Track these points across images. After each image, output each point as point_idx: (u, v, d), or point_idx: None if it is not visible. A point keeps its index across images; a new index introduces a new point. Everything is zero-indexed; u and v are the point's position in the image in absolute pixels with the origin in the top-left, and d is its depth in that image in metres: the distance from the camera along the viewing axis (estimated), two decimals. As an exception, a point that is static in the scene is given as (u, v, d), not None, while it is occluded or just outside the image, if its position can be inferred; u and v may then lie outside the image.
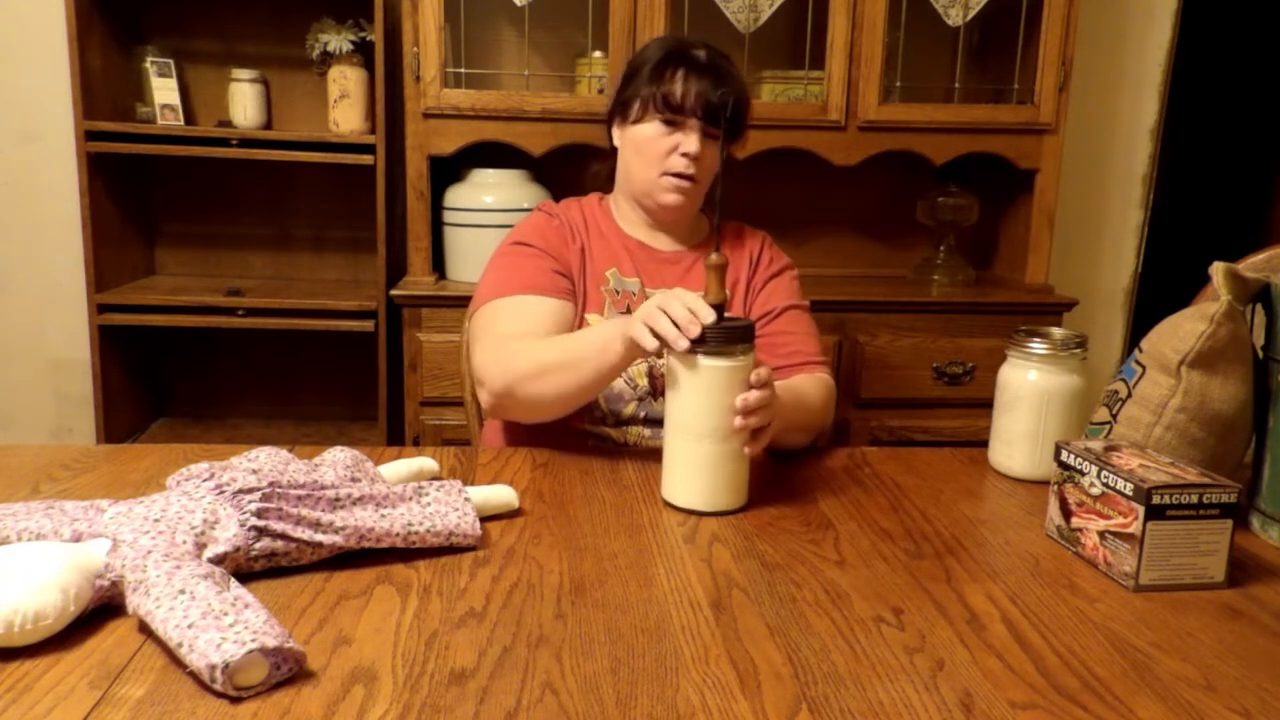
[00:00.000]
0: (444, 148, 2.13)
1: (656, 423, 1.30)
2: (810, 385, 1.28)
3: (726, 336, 0.99)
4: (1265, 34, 3.62)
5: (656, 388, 1.29)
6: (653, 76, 1.31)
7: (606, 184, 1.47)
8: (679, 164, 1.30)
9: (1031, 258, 2.32)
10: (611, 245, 1.38)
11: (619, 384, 1.28)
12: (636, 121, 1.33)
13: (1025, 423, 1.14)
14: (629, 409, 1.30)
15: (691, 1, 2.17)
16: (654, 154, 1.31)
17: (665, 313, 1.00)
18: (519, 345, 1.19)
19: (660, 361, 1.28)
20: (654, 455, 1.20)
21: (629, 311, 1.33)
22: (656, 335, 1.00)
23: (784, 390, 1.20)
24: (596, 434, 1.31)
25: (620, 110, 1.36)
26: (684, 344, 0.98)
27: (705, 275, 1.05)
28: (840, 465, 1.20)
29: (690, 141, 1.29)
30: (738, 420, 1.00)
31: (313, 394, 2.58)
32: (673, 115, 1.30)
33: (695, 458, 1.02)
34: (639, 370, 1.29)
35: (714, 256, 1.04)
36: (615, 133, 1.39)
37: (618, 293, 1.34)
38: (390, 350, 2.26)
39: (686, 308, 0.99)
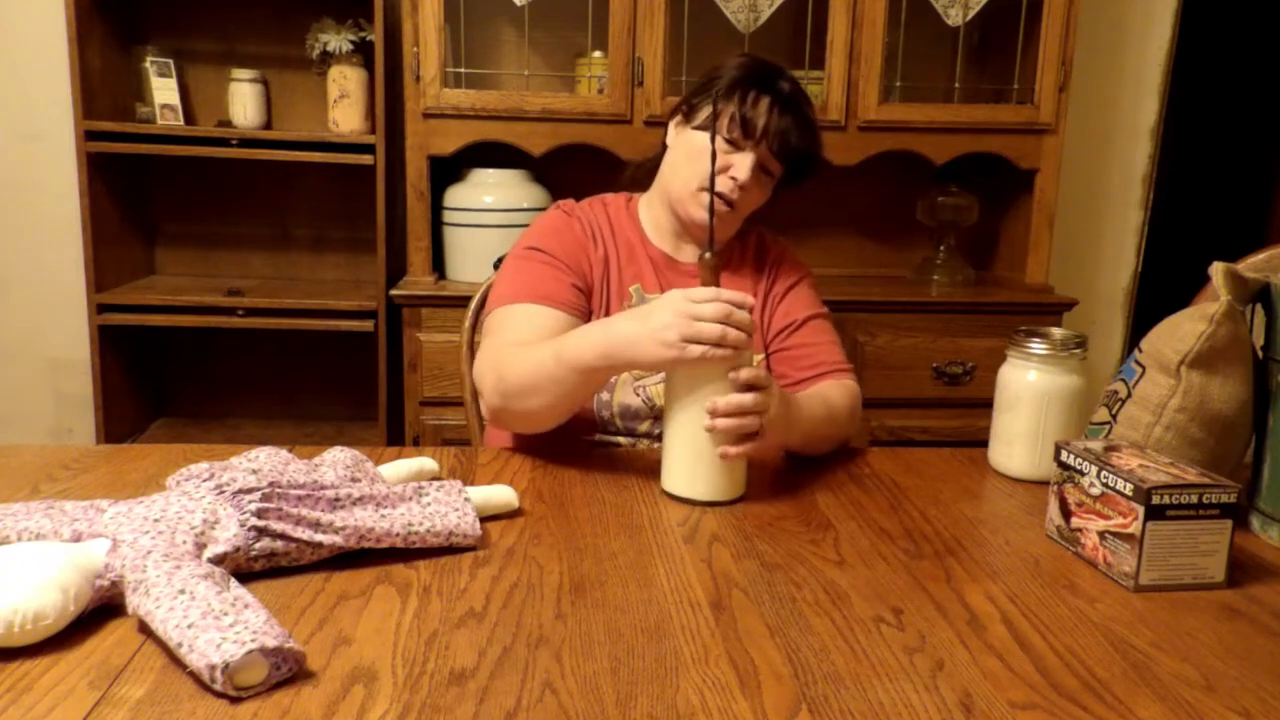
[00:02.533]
0: (444, 148, 2.13)
1: None
2: (836, 392, 1.26)
3: None
4: (1265, 34, 3.62)
5: None
6: (730, 91, 1.25)
7: (633, 186, 1.42)
8: (724, 185, 1.25)
9: (1031, 258, 2.32)
10: (636, 257, 1.33)
11: (636, 403, 1.27)
12: (700, 128, 1.27)
13: (1025, 423, 1.14)
14: (644, 426, 1.28)
15: (691, 1, 2.17)
16: (703, 166, 1.23)
17: (673, 335, 0.98)
18: (512, 354, 1.15)
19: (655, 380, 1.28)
20: (654, 456, 1.20)
21: None
22: (697, 341, 0.98)
23: (811, 399, 1.19)
24: (606, 443, 1.30)
25: (687, 112, 1.31)
26: (725, 352, 0.97)
27: (700, 272, 1.05)
28: (840, 465, 1.20)
29: (742, 168, 1.24)
30: (706, 422, 1.00)
31: (313, 394, 2.58)
32: (738, 138, 1.25)
33: (692, 450, 1.03)
34: (657, 390, 1.26)
35: (708, 256, 1.04)
36: (672, 130, 1.33)
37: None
38: (390, 350, 2.26)
39: (724, 311, 0.97)
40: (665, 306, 0.99)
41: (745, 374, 1.00)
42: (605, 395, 1.26)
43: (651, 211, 1.37)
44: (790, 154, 1.27)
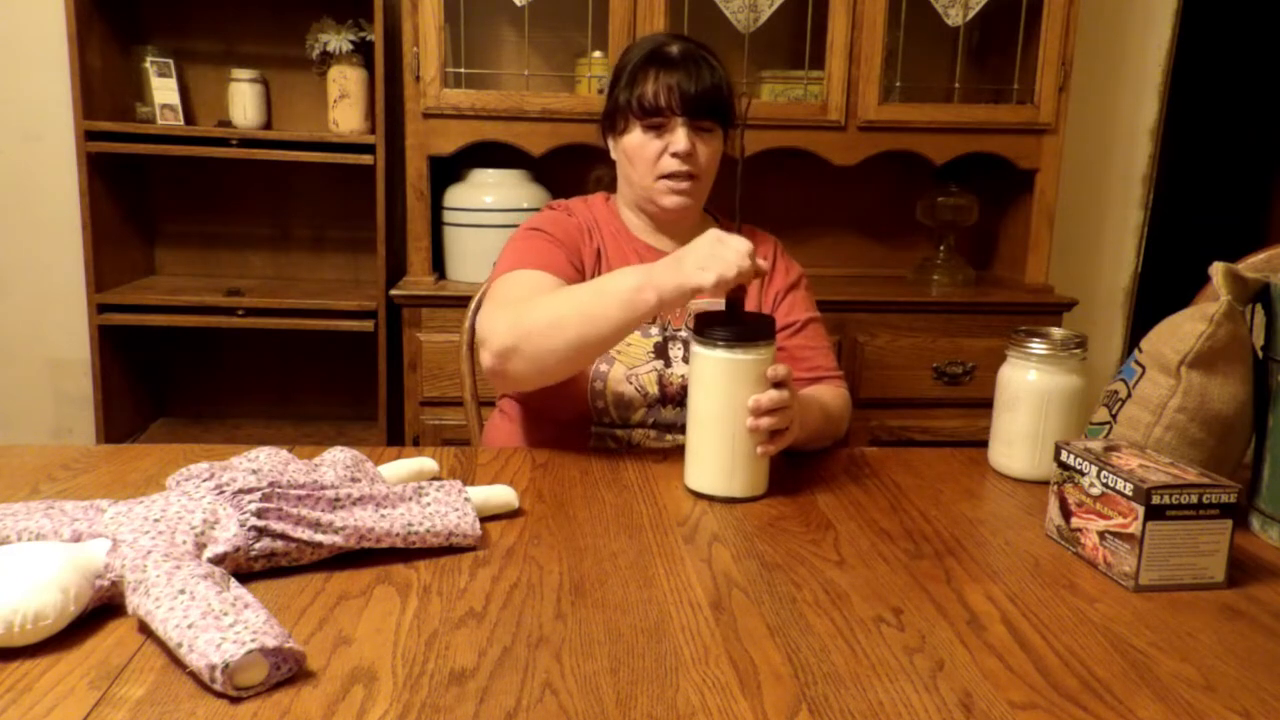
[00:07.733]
0: (444, 148, 2.13)
1: (663, 427, 1.30)
2: (831, 396, 1.32)
3: (749, 332, 1.03)
4: (1265, 34, 3.62)
5: (666, 395, 1.29)
6: (629, 82, 1.31)
7: (610, 187, 1.46)
8: (671, 165, 1.30)
9: (1031, 258, 2.32)
10: (624, 248, 1.37)
11: (629, 391, 1.28)
12: (623, 132, 1.33)
13: (1025, 423, 1.14)
14: (638, 415, 1.29)
15: (691, 1, 2.17)
16: (645, 160, 1.31)
17: (722, 258, 1.03)
18: (531, 299, 1.17)
19: (671, 370, 1.29)
20: (654, 455, 1.20)
21: None
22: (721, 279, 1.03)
23: (810, 400, 1.23)
24: (601, 434, 1.31)
25: (608, 122, 1.37)
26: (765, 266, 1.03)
27: None
28: (840, 465, 1.20)
29: (678, 140, 1.29)
30: (750, 421, 1.03)
31: (313, 394, 2.58)
32: (652, 118, 1.29)
33: (718, 448, 1.05)
34: (649, 378, 1.28)
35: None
36: (610, 144, 1.39)
37: None
38: (390, 350, 2.26)
39: (739, 252, 1.03)
40: (700, 243, 1.06)
41: (782, 370, 1.04)
42: (599, 385, 1.28)
43: (626, 210, 1.41)
44: (711, 101, 1.30)
